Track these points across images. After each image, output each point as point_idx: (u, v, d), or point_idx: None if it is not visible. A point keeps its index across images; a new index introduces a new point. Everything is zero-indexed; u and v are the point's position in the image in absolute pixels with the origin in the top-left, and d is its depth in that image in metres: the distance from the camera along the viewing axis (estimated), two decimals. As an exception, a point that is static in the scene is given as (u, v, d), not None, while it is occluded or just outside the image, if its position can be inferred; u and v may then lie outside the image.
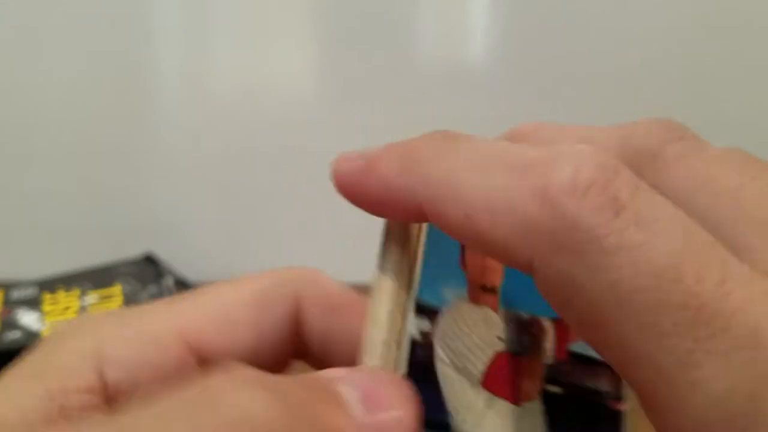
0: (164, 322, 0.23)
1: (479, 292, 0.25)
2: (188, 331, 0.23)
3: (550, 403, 0.25)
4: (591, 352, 0.25)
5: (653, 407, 0.17)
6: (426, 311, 0.24)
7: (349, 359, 0.23)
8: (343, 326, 0.24)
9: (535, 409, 0.24)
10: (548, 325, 0.25)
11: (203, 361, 0.23)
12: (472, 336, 0.24)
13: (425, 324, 0.24)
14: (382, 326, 0.23)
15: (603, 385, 0.25)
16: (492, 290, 0.25)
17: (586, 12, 0.54)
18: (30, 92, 0.59)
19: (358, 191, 0.21)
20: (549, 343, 0.25)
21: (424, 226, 0.24)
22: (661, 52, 0.53)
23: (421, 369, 0.23)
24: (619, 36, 0.53)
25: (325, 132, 0.61)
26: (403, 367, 0.23)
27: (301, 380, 0.19)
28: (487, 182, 0.18)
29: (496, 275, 0.25)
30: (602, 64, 0.53)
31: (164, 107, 0.67)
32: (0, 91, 0.58)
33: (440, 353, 0.24)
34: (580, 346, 0.25)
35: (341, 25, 0.60)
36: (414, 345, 0.23)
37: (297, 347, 0.25)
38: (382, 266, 0.23)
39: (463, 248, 0.25)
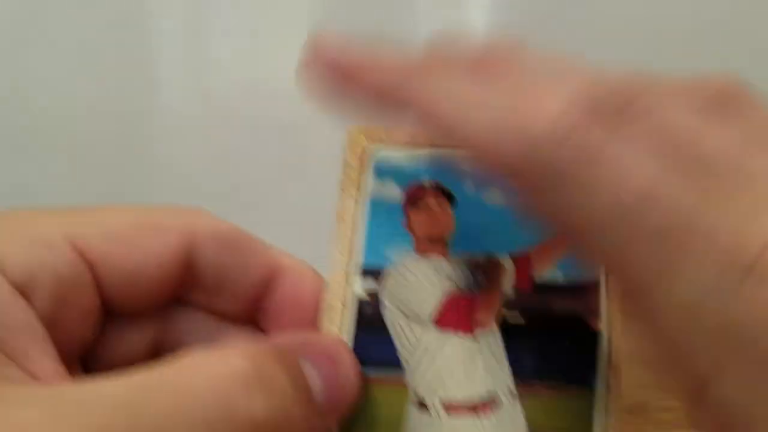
0: (55, 228, 0.23)
1: (427, 244, 0.26)
2: (78, 239, 0.23)
3: (514, 335, 0.25)
4: (559, 278, 0.25)
5: (643, 293, 0.19)
6: (371, 273, 0.25)
7: (243, 295, 0.26)
8: (237, 262, 0.26)
9: (490, 337, 0.25)
10: (506, 262, 0.25)
11: (92, 268, 0.23)
12: (422, 283, 0.25)
13: (371, 284, 0.25)
14: (334, 292, 0.26)
15: (577, 307, 0.25)
16: (440, 240, 0.26)
17: (586, 14, 0.52)
18: (29, 92, 0.63)
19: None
20: (507, 278, 0.25)
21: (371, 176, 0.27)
22: (661, 54, 0.50)
23: (369, 323, 0.25)
24: (619, 38, 0.51)
25: (327, 133, 0.62)
26: (353, 323, 0.25)
27: (269, 348, 0.22)
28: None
29: (444, 227, 0.26)
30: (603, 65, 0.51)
31: (164, 106, 0.68)
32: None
33: (388, 305, 0.25)
34: (546, 274, 0.25)
35: (341, 26, 0.61)
36: (361, 303, 0.25)
37: (186, 278, 0.26)
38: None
39: (407, 211, 0.26)
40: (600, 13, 0.51)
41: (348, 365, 0.23)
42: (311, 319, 0.26)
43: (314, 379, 0.22)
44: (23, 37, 0.62)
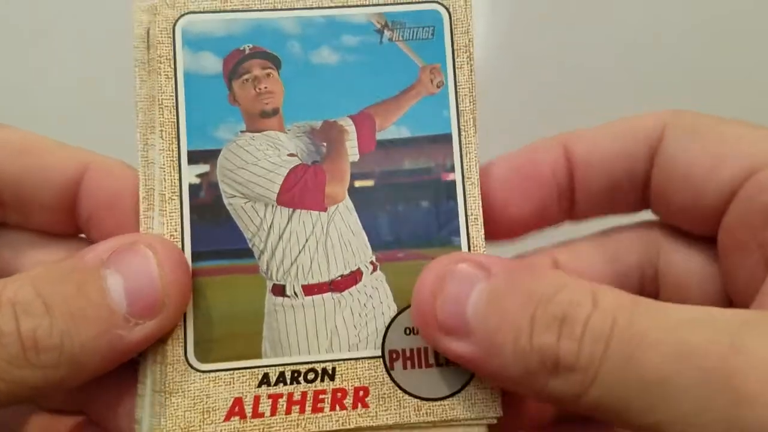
0: None
1: (258, 119, 0.23)
2: None
3: (365, 200, 0.23)
4: (405, 134, 0.23)
5: None
6: (200, 156, 0.23)
7: (51, 202, 0.23)
8: (33, 168, 0.23)
9: (342, 209, 0.23)
10: (347, 124, 0.23)
11: None
12: (260, 162, 0.23)
13: (201, 168, 0.22)
14: (163, 182, 0.23)
15: (428, 161, 0.23)
16: (273, 113, 0.23)
17: (586, 16, 0.50)
18: (30, 93, 0.56)
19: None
20: (351, 141, 0.23)
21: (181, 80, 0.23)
22: (661, 55, 0.50)
23: (207, 209, 0.22)
24: (619, 39, 0.50)
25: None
26: (188, 212, 0.23)
27: (68, 268, 0.20)
28: None
29: (275, 97, 0.23)
30: (602, 68, 0.50)
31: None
32: (1, 90, 0.55)
33: (225, 189, 0.23)
34: (391, 132, 0.23)
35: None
36: (194, 189, 0.22)
37: None
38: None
39: (230, 84, 0.23)
40: (599, 12, 0.49)
41: (155, 265, 0.21)
42: (127, 215, 0.23)
43: (116, 287, 0.20)
44: (22, 38, 0.52)
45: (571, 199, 0.25)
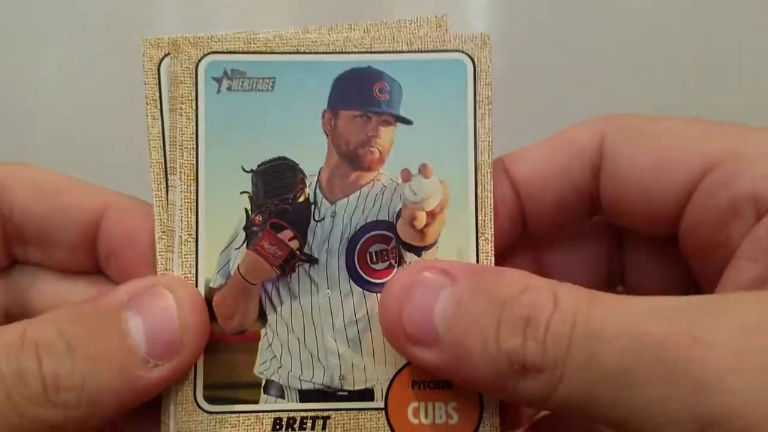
0: None
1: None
2: None
3: None
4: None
5: None
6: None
7: (72, 241, 0.24)
8: (56, 207, 0.24)
9: None
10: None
11: None
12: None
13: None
14: (175, 222, 0.23)
15: None
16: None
17: (585, 16, 0.50)
18: (30, 90, 0.58)
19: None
20: None
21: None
22: (661, 54, 0.49)
23: None
24: (618, 39, 0.49)
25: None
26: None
27: (89, 310, 0.21)
28: None
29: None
30: (602, 67, 0.49)
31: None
32: (1, 89, 0.57)
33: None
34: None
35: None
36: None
37: (9, 233, 0.24)
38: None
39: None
40: (598, 13, 0.49)
41: (174, 307, 0.21)
42: (146, 254, 0.23)
43: (137, 328, 0.21)
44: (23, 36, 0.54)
45: (522, 220, 0.25)
